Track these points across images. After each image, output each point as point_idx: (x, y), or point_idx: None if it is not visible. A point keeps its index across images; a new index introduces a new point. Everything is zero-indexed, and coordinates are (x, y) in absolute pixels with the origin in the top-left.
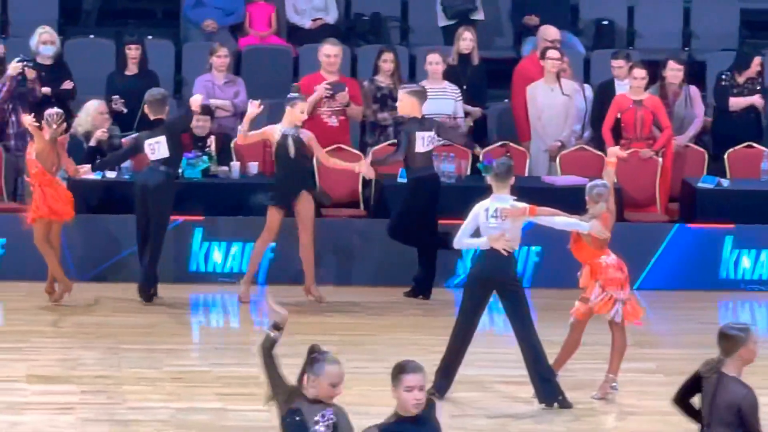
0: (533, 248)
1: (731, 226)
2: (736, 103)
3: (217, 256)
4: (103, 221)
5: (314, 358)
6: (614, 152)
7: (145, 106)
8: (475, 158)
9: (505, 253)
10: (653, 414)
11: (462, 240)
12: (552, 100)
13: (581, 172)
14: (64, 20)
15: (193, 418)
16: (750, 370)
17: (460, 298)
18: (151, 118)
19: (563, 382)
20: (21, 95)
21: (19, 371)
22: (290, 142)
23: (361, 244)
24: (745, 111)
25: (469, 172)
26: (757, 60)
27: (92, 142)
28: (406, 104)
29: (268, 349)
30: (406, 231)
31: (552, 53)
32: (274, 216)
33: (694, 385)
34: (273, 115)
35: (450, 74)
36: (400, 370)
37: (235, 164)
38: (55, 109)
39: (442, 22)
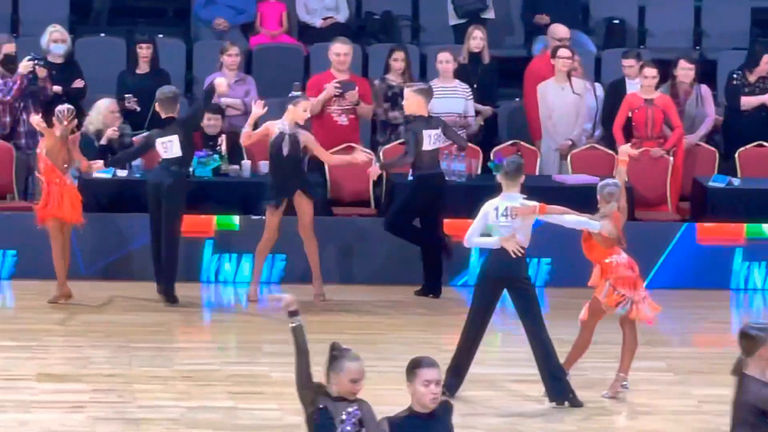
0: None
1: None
2: (748, 102)
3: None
4: (114, 219)
5: (334, 355)
6: (625, 150)
7: (156, 104)
8: (486, 157)
9: (515, 255)
10: (664, 413)
11: (472, 239)
12: (563, 99)
13: (592, 171)
14: (75, 19)
15: (204, 417)
16: None
17: (470, 296)
18: (163, 116)
19: (574, 380)
20: (32, 94)
21: (30, 370)
22: (285, 140)
23: (372, 243)
24: (757, 110)
25: (479, 171)
26: (765, 58)
27: (103, 141)
28: (412, 103)
29: (300, 340)
30: (403, 227)
31: (563, 52)
32: (270, 217)
33: None
34: (283, 114)
35: (461, 73)
36: (417, 365)
37: (246, 163)
38: (66, 105)
39: (453, 20)
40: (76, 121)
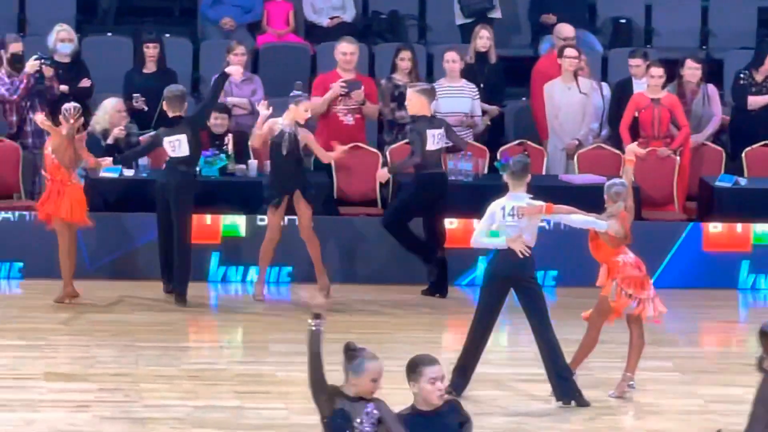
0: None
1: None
2: (755, 101)
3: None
4: (121, 219)
5: (352, 355)
6: (632, 149)
7: (164, 103)
8: (493, 156)
9: (522, 255)
10: (671, 412)
11: (479, 239)
12: (569, 99)
13: (599, 171)
14: (81, 18)
15: (210, 416)
16: None
17: (476, 296)
18: (170, 115)
19: (581, 380)
20: (39, 93)
21: (37, 369)
22: (285, 139)
23: (378, 242)
24: (763, 109)
25: (486, 170)
26: None
27: (110, 140)
28: (415, 103)
29: (314, 345)
30: (400, 227)
31: (569, 52)
32: (272, 216)
33: None
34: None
35: (467, 72)
36: (420, 364)
37: (253, 162)
38: (72, 104)
39: (460, 20)
40: (82, 119)
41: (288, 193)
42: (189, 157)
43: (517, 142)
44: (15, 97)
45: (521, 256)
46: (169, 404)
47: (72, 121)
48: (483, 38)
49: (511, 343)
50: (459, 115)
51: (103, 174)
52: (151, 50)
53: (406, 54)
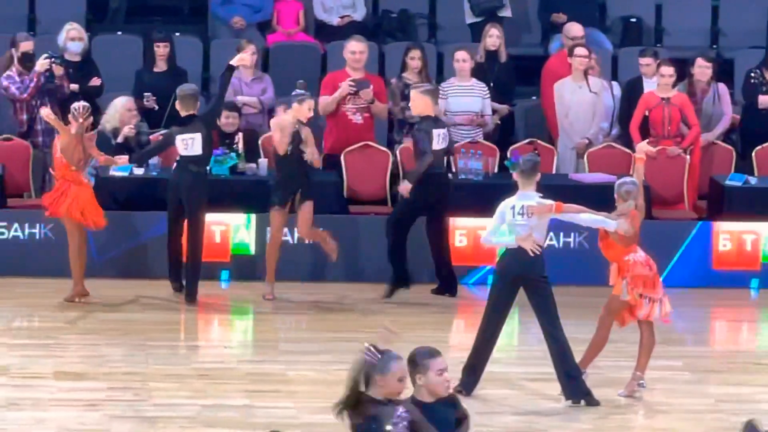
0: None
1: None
2: (765, 100)
3: None
4: (131, 217)
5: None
6: (643, 148)
7: (177, 102)
8: (503, 155)
9: (533, 254)
10: (681, 412)
11: (490, 239)
12: (579, 98)
13: (609, 170)
14: (91, 17)
15: (220, 415)
16: None
17: (486, 294)
18: (183, 114)
19: (591, 379)
20: (49, 92)
21: (47, 368)
22: (289, 138)
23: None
24: None
25: (496, 169)
26: None
27: (119, 139)
28: (419, 104)
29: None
30: (401, 229)
31: (580, 51)
32: (275, 218)
33: None
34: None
35: (477, 71)
36: (426, 356)
37: (263, 161)
38: (81, 103)
39: (470, 19)
40: (91, 118)
41: (293, 193)
42: (201, 156)
43: (527, 141)
44: (25, 95)
45: (532, 254)
46: (179, 403)
47: (81, 120)
48: (493, 37)
49: (520, 342)
50: (469, 114)
51: (113, 173)
52: (161, 49)
53: (416, 53)
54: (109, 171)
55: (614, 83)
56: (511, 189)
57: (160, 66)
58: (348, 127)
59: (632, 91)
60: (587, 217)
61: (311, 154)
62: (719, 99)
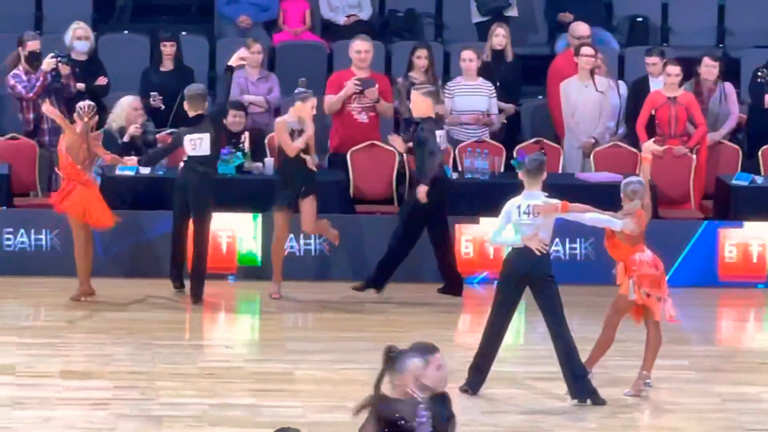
0: None
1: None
2: None
3: None
4: (136, 217)
5: (394, 357)
6: (649, 147)
7: (185, 102)
8: (509, 155)
9: (539, 253)
10: (687, 411)
11: (496, 238)
12: (585, 97)
13: (615, 169)
14: (98, 16)
15: (227, 414)
16: None
17: (492, 293)
18: (191, 114)
19: (597, 378)
20: (56, 91)
21: (53, 367)
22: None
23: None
24: None
25: (503, 168)
26: None
27: (125, 138)
28: (420, 105)
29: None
30: (411, 239)
31: (586, 50)
32: (279, 219)
33: None
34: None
35: (484, 71)
36: (427, 352)
37: (269, 160)
38: (87, 102)
39: (476, 18)
40: (97, 117)
41: (297, 192)
42: (209, 156)
43: (533, 140)
44: (31, 94)
45: (538, 254)
46: (185, 402)
47: (86, 119)
48: (499, 36)
49: (526, 341)
50: (476, 114)
51: (119, 172)
52: (167, 48)
53: (422, 52)
54: (116, 170)
55: (621, 82)
56: (517, 188)
57: (167, 65)
58: (353, 126)
59: (639, 90)
60: (593, 217)
61: (310, 161)
62: (726, 98)
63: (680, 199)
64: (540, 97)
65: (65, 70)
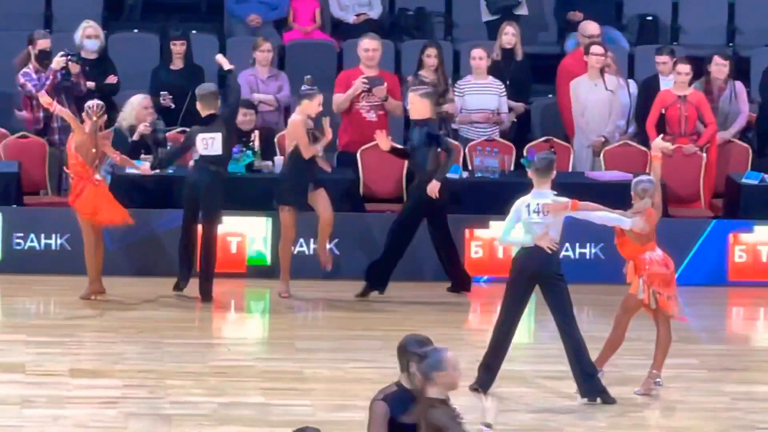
0: None
1: None
2: None
3: None
4: (146, 216)
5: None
6: (658, 144)
7: (198, 102)
8: (519, 153)
9: (550, 251)
10: (697, 410)
11: (506, 238)
12: (595, 96)
13: (625, 168)
14: (108, 14)
15: (236, 413)
16: None
17: (500, 292)
18: (204, 113)
19: (607, 377)
20: (66, 89)
21: (63, 365)
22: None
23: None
24: None
25: (512, 167)
26: None
27: (135, 137)
28: (418, 107)
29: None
30: (404, 236)
31: (596, 49)
32: (287, 218)
33: None
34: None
35: (494, 69)
36: (422, 345)
37: (279, 159)
38: (96, 101)
39: (486, 17)
40: (105, 116)
41: (305, 192)
42: (221, 156)
43: (543, 139)
44: (42, 92)
45: (549, 252)
46: (195, 401)
47: (95, 118)
48: (509, 35)
49: (536, 339)
50: (485, 112)
51: (129, 171)
52: (177, 47)
53: (432, 51)
54: (125, 169)
55: (631, 81)
56: (527, 187)
57: (177, 64)
58: (362, 124)
59: (649, 89)
60: (602, 215)
61: (324, 163)
62: (736, 97)
63: (690, 198)
64: (550, 95)
65: (75, 68)
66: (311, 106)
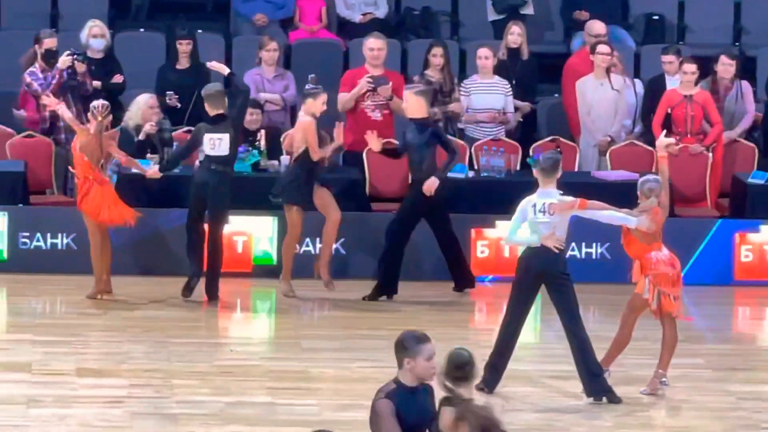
0: None
1: None
2: None
3: None
4: (152, 215)
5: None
6: (663, 142)
7: (205, 102)
8: (525, 153)
9: (556, 250)
10: (703, 409)
11: (512, 238)
12: (601, 95)
13: (631, 167)
14: (114, 14)
15: (242, 412)
16: None
17: (505, 291)
18: (212, 113)
19: (613, 376)
20: (72, 89)
21: (69, 365)
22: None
23: (410, 239)
24: None
25: (518, 166)
26: None
27: (141, 136)
28: (413, 105)
29: None
30: (401, 235)
31: (602, 48)
32: (295, 217)
33: None
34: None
35: (500, 69)
36: (418, 341)
37: (285, 158)
38: (101, 101)
39: (492, 16)
40: (111, 116)
41: (310, 191)
42: (227, 156)
43: (549, 138)
44: (47, 92)
45: (555, 251)
46: (201, 400)
47: (100, 118)
48: (515, 34)
49: (542, 339)
50: (491, 112)
51: (134, 171)
52: (183, 46)
53: (438, 50)
54: (131, 168)
55: (637, 81)
56: (532, 186)
57: (183, 63)
58: (367, 124)
59: (655, 88)
60: (609, 214)
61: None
62: (742, 96)
63: (696, 198)
64: (556, 95)
65: (81, 67)
66: (315, 104)
